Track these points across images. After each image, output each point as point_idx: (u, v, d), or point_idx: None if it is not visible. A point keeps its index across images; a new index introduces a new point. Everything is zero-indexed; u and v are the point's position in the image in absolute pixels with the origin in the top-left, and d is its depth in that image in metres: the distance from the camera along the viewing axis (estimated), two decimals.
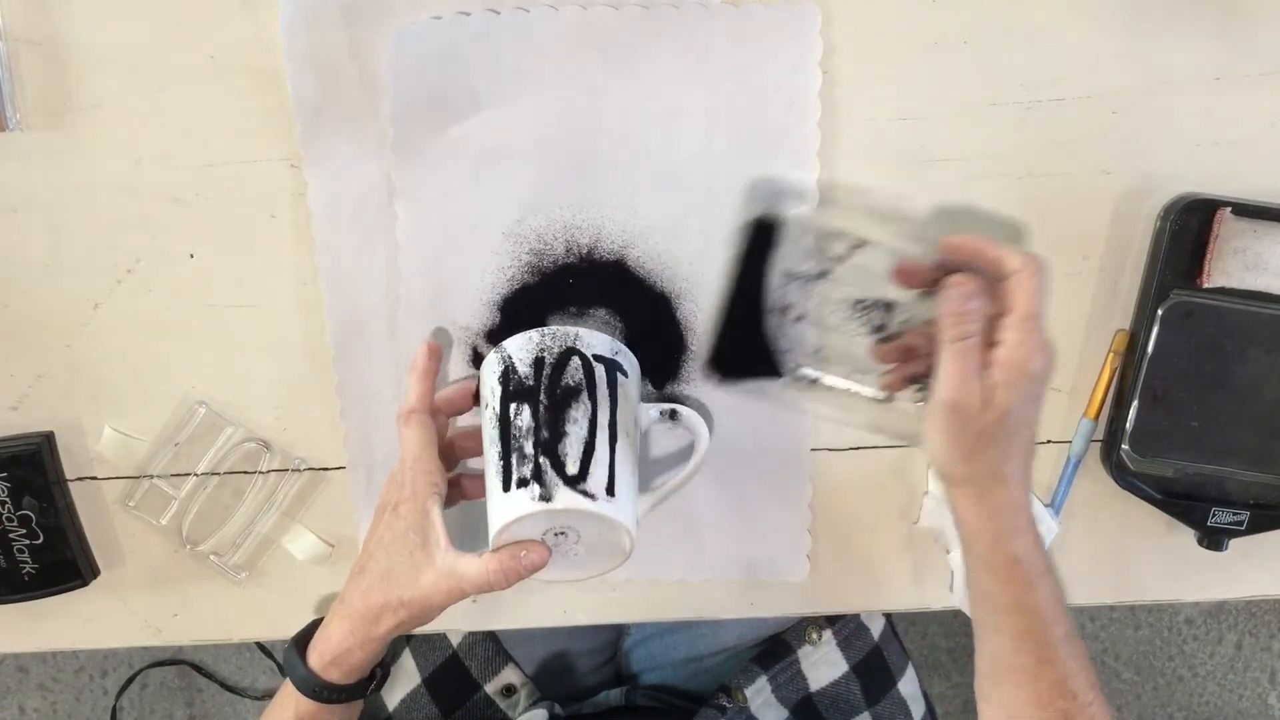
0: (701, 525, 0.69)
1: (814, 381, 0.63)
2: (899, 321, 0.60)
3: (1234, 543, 0.67)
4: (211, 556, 0.70)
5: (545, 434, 0.58)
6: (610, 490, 0.57)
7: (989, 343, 0.53)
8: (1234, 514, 0.66)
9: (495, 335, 0.66)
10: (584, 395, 0.59)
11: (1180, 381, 0.65)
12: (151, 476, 0.68)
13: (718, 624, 0.81)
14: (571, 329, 0.61)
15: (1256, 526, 0.66)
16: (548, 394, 0.58)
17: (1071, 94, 0.64)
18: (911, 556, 0.70)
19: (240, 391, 0.68)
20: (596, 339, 0.61)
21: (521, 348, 0.60)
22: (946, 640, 1.53)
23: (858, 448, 0.69)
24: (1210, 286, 0.63)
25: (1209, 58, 0.63)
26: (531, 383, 0.59)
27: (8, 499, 0.66)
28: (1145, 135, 0.64)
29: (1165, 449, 0.66)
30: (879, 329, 0.60)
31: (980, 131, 0.64)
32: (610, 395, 0.59)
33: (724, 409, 0.67)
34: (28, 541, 0.67)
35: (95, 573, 0.70)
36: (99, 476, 0.69)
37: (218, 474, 0.69)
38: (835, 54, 0.63)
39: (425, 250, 0.65)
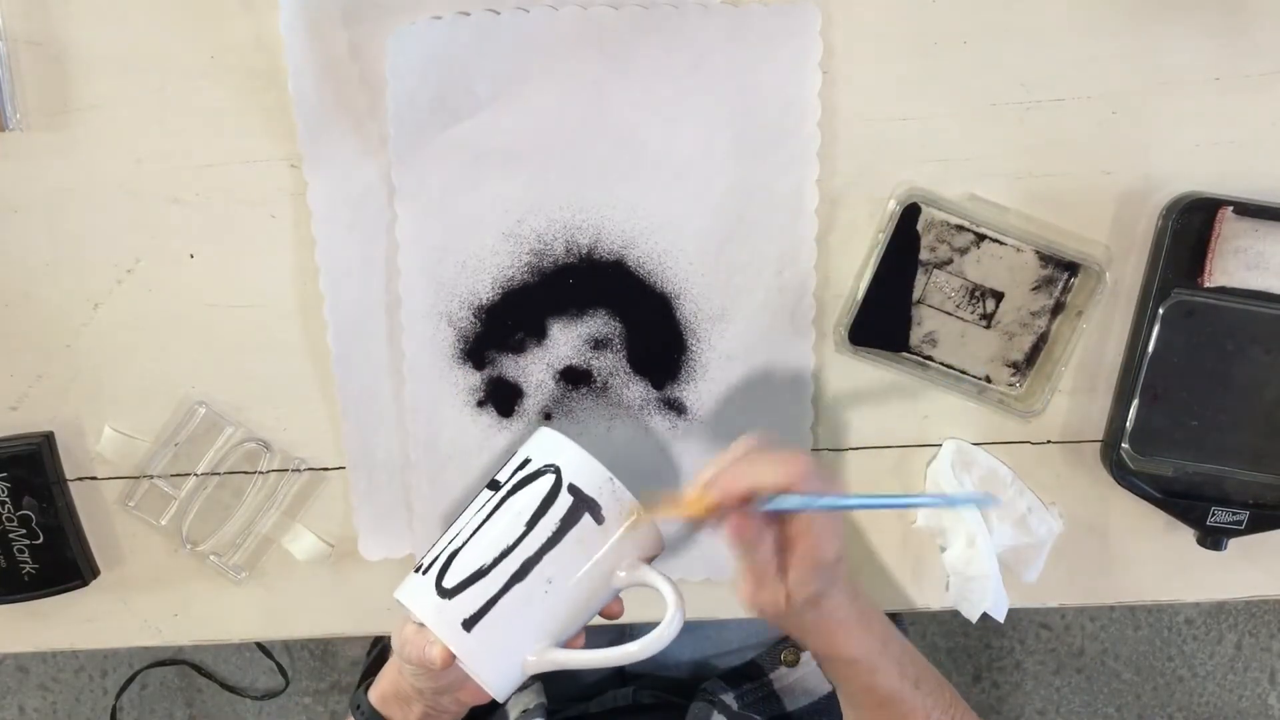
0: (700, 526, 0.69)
1: (926, 359, 0.67)
2: (1004, 311, 0.65)
3: (1234, 543, 0.67)
4: (211, 556, 0.70)
5: (461, 540, 0.55)
6: (469, 624, 0.53)
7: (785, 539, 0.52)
8: (1233, 514, 0.66)
9: (495, 336, 0.66)
10: (523, 520, 0.54)
11: (1181, 381, 0.65)
12: (151, 476, 0.68)
13: (722, 625, 0.81)
14: (572, 450, 0.55)
15: (1256, 526, 0.66)
16: (499, 501, 0.56)
17: (1071, 94, 0.64)
18: (910, 556, 0.70)
19: (240, 391, 0.68)
20: (591, 472, 0.55)
21: (533, 443, 0.57)
22: (946, 640, 1.53)
23: (857, 448, 0.69)
24: (1211, 286, 0.63)
25: (1209, 58, 0.63)
26: (504, 480, 0.57)
27: (8, 499, 0.66)
28: (1145, 135, 0.64)
29: (1165, 448, 0.66)
30: (986, 316, 0.64)
31: (980, 131, 0.64)
32: (551, 534, 0.54)
33: (724, 408, 0.67)
34: (28, 541, 0.67)
35: (95, 573, 0.70)
36: (99, 476, 0.69)
37: (218, 474, 0.69)
38: (835, 54, 0.63)
39: (425, 250, 0.65)
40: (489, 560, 0.54)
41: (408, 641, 0.56)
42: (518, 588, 0.54)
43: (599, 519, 0.55)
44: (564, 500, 0.54)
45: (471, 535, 0.55)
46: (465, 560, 0.55)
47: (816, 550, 0.52)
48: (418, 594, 0.55)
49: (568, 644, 0.56)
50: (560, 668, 0.55)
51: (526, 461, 0.56)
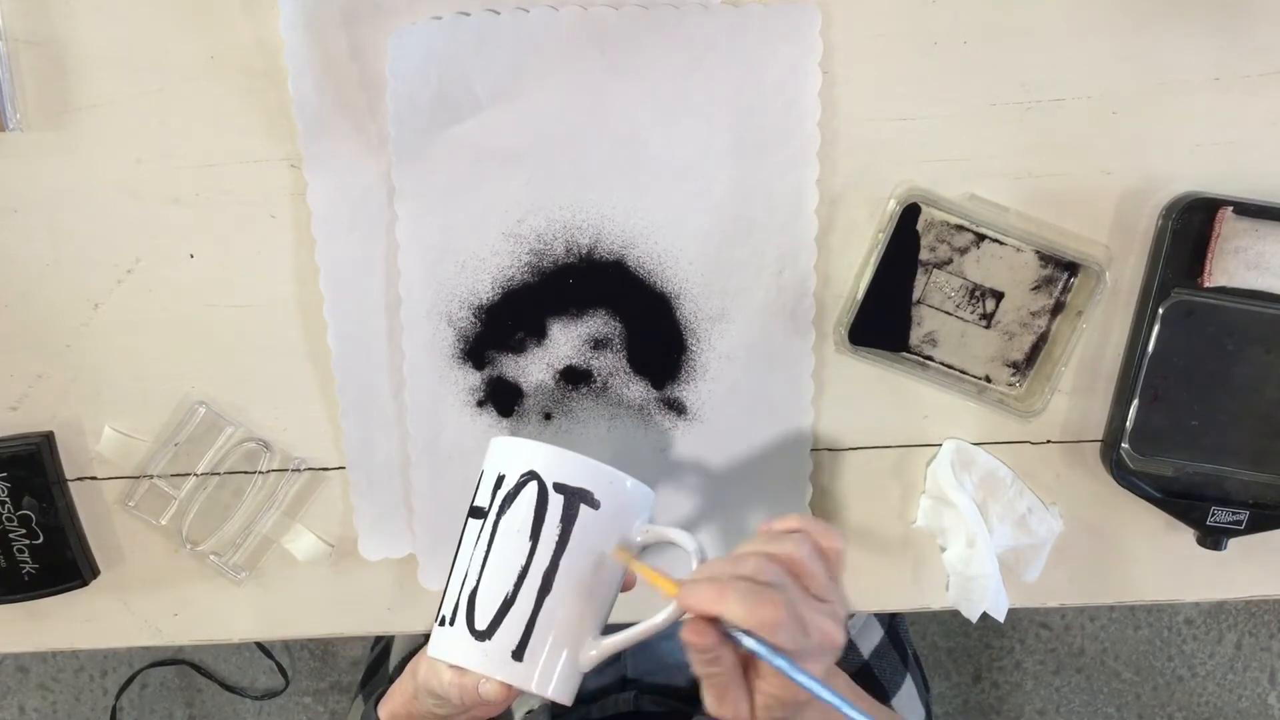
0: (701, 525, 0.69)
1: (926, 359, 0.67)
2: (1004, 311, 0.65)
3: (1234, 542, 0.67)
4: (211, 556, 0.70)
5: (474, 578, 0.54)
6: (518, 653, 0.53)
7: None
8: (1233, 513, 0.66)
9: (495, 336, 0.66)
10: (525, 536, 0.54)
11: (1180, 381, 0.65)
12: (151, 476, 0.68)
13: None
14: (542, 450, 0.55)
15: (1256, 526, 0.66)
16: (493, 526, 0.55)
17: (1071, 94, 0.64)
18: (910, 556, 0.70)
19: (240, 391, 0.68)
20: (568, 464, 0.54)
21: (497, 457, 0.56)
22: (946, 640, 1.53)
23: (857, 448, 0.69)
24: (1211, 286, 0.63)
25: (1209, 58, 0.63)
26: (486, 505, 0.56)
27: (8, 499, 0.66)
28: (1145, 135, 0.64)
29: (1165, 448, 0.66)
30: (986, 316, 0.64)
31: (980, 131, 0.64)
32: (558, 537, 0.54)
33: (724, 409, 0.67)
34: (28, 541, 0.67)
35: (95, 573, 0.70)
36: (99, 476, 0.69)
37: (218, 474, 0.69)
38: (835, 54, 0.63)
39: (425, 250, 0.65)
40: (510, 587, 0.53)
41: (454, 685, 0.55)
42: (548, 601, 0.53)
43: (595, 504, 0.54)
44: (555, 501, 0.54)
45: (482, 570, 0.55)
46: (487, 596, 0.54)
47: (788, 690, 0.48)
48: (455, 645, 0.54)
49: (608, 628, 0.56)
50: (614, 652, 0.55)
51: (501, 478, 0.55)
